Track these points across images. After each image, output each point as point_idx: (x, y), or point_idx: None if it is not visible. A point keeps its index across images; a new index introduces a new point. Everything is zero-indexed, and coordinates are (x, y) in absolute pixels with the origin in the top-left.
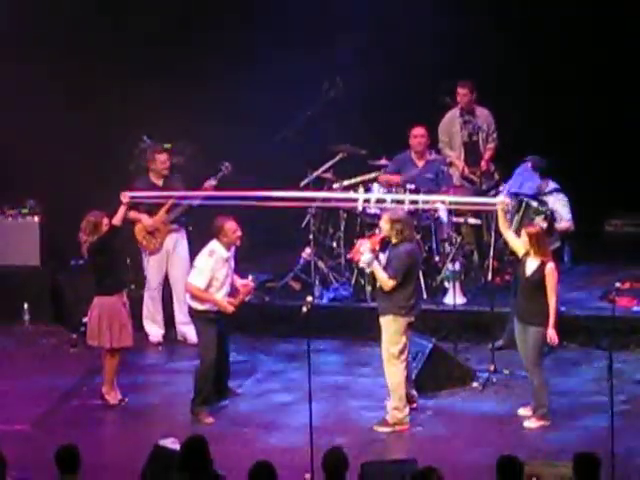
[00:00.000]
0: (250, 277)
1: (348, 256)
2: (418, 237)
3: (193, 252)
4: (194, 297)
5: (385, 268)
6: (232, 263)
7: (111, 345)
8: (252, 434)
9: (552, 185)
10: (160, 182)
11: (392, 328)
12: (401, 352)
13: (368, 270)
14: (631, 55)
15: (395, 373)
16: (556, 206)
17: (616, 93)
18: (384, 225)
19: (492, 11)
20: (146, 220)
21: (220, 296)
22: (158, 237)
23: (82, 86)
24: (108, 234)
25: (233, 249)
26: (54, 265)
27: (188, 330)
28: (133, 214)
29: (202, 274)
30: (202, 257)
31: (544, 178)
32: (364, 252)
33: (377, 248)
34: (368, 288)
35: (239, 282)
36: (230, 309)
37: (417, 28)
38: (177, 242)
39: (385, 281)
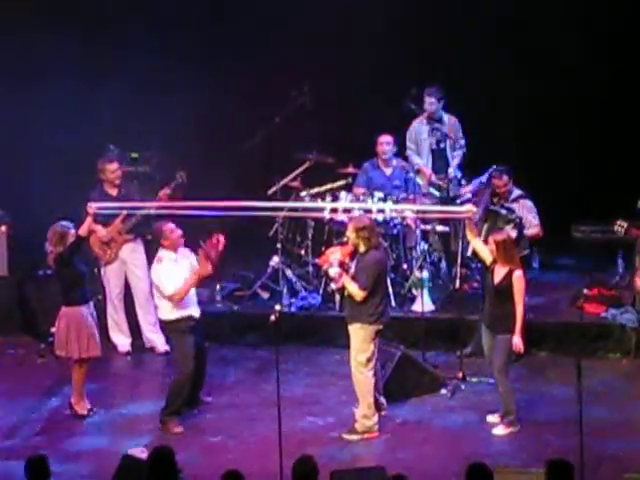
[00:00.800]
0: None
1: (317, 260)
2: (386, 245)
3: (151, 261)
4: (179, 301)
5: (354, 278)
6: (186, 260)
7: (79, 355)
8: (221, 443)
9: (517, 192)
10: (114, 192)
11: (360, 336)
12: (369, 360)
13: (335, 286)
14: (600, 58)
15: (363, 381)
16: (523, 213)
17: (585, 98)
18: (350, 234)
19: (461, 15)
20: (100, 231)
21: (191, 310)
22: (114, 247)
23: (50, 95)
24: (74, 245)
25: (185, 252)
26: (21, 275)
27: (156, 338)
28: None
29: (167, 281)
30: (154, 270)
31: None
32: (333, 263)
33: (347, 260)
34: (337, 296)
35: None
36: (208, 268)
37: (384, 34)
38: (133, 251)
39: (356, 292)
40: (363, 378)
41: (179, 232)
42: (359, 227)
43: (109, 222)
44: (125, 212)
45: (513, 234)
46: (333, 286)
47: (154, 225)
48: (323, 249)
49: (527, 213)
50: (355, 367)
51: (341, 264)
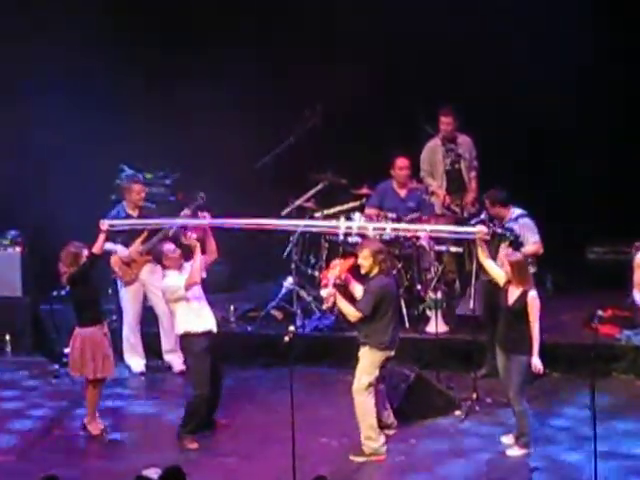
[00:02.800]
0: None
1: (320, 276)
2: (399, 265)
3: None
4: (195, 284)
5: (353, 300)
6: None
7: (94, 376)
8: (235, 464)
9: (517, 211)
10: (135, 213)
11: (368, 359)
12: (371, 384)
13: (325, 306)
14: (616, 79)
15: (363, 402)
16: (522, 231)
17: (598, 122)
18: (364, 260)
19: (472, 38)
20: (121, 251)
21: (204, 325)
22: (134, 268)
23: (64, 116)
24: (88, 263)
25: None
26: (36, 296)
27: (173, 359)
28: (108, 245)
29: (178, 279)
30: (163, 284)
31: (506, 206)
32: (329, 281)
33: (343, 276)
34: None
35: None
36: (193, 242)
37: (400, 56)
38: (153, 272)
39: (350, 313)
40: (363, 400)
41: (179, 252)
42: (375, 251)
43: (130, 243)
44: (147, 232)
45: (506, 252)
46: (324, 306)
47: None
48: (325, 266)
49: (526, 231)
50: (356, 389)
51: (338, 279)
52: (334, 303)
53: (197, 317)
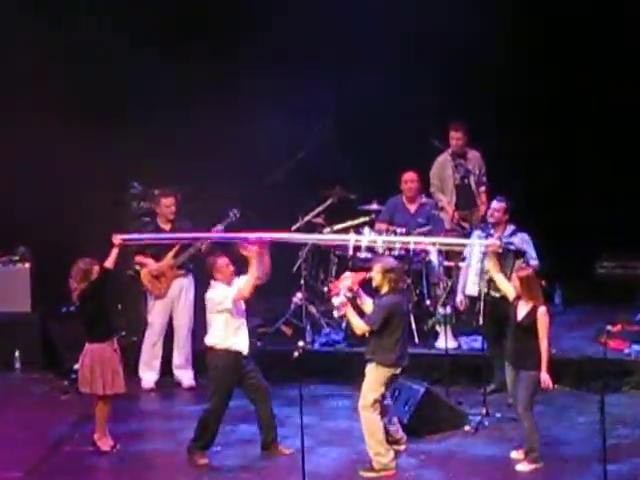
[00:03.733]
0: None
1: (330, 285)
2: (409, 281)
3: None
4: (250, 293)
5: (362, 314)
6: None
7: (104, 392)
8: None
9: (511, 227)
10: (168, 226)
11: (373, 375)
12: (376, 401)
13: (337, 314)
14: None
15: (369, 419)
16: (524, 246)
17: (606, 137)
18: (376, 275)
19: (481, 56)
20: (152, 264)
21: (239, 345)
22: (164, 282)
23: (66, 134)
24: (99, 278)
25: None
26: (45, 312)
27: (183, 374)
28: (139, 258)
29: (229, 290)
30: (209, 293)
31: (508, 220)
32: (341, 291)
33: (355, 288)
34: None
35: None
36: (252, 254)
37: (408, 73)
38: (184, 288)
39: (359, 326)
40: (368, 416)
41: (232, 267)
42: (387, 269)
43: (160, 256)
44: (178, 246)
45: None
46: (335, 314)
47: (208, 258)
48: (333, 279)
49: (527, 246)
50: (362, 406)
51: (350, 290)
52: (345, 313)
53: (233, 335)
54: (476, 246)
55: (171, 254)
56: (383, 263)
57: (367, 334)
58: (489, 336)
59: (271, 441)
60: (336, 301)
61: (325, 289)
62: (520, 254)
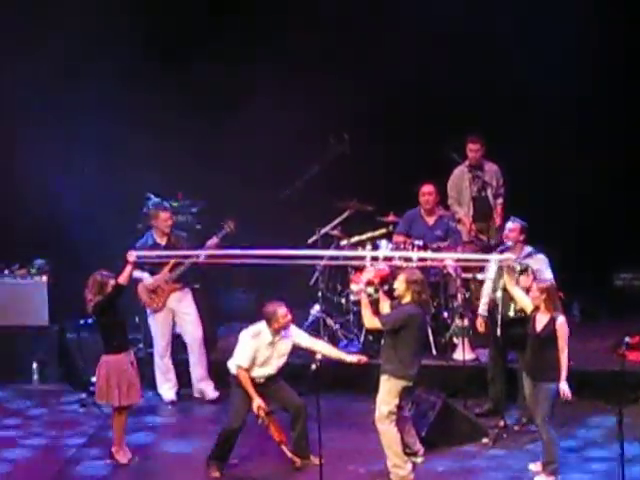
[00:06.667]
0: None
1: (352, 276)
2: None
3: (201, 310)
4: (237, 375)
5: (377, 313)
6: (283, 344)
7: (119, 403)
8: None
9: (528, 249)
10: (163, 240)
11: (386, 387)
12: (391, 413)
13: (353, 297)
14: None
15: (386, 431)
16: (539, 265)
17: (623, 147)
18: (400, 285)
19: (494, 67)
20: (147, 279)
21: (260, 373)
22: (161, 295)
23: (83, 146)
24: (113, 293)
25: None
26: (63, 324)
27: (205, 387)
28: (136, 273)
29: (244, 354)
30: (247, 336)
31: (525, 242)
32: (362, 281)
33: (376, 281)
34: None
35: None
36: (256, 402)
37: (425, 85)
38: (181, 300)
39: (369, 318)
40: (385, 429)
41: (290, 317)
42: (411, 280)
43: (157, 270)
44: (174, 260)
45: (527, 283)
46: (352, 297)
47: (266, 305)
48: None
49: (542, 266)
50: (378, 418)
51: (370, 283)
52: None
53: (259, 366)
54: (492, 265)
55: (167, 268)
56: (408, 274)
57: (382, 342)
58: (493, 354)
59: (303, 449)
60: (354, 287)
61: (343, 301)
62: (524, 270)
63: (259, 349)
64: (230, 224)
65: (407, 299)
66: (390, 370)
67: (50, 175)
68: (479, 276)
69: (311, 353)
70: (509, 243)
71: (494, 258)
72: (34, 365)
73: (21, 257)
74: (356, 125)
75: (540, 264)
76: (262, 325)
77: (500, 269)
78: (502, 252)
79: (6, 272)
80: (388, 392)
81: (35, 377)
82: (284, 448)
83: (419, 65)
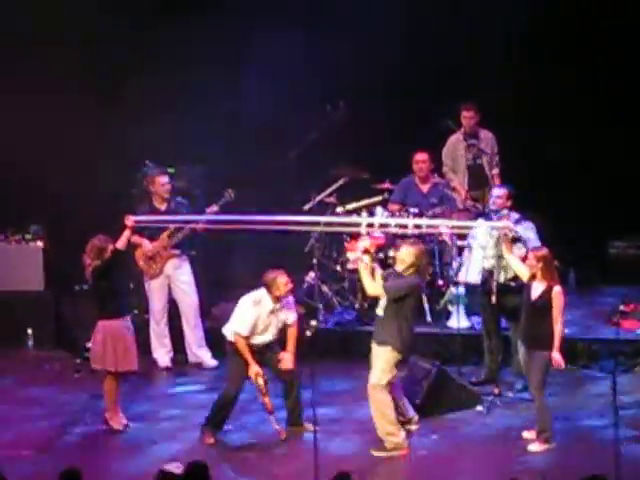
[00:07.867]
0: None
1: (347, 245)
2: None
3: (197, 277)
4: (235, 342)
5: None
6: (283, 313)
7: (115, 368)
8: (256, 459)
9: (515, 215)
10: (163, 206)
11: (386, 358)
12: (389, 383)
13: (351, 266)
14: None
15: (379, 399)
16: (527, 234)
17: (619, 118)
18: (407, 255)
19: (492, 35)
20: (146, 245)
21: (259, 341)
22: (159, 262)
23: (82, 113)
24: (111, 258)
25: (287, 304)
26: (58, 290)
27: (203, 353)
28: (134, 238)
29: (244, 322)
30: (247, 303)
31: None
32: (358, 248)
33: (372, 250)
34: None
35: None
36: (253, 369)
37: (419, 51)
38: (178, 267)
39: (370, 285)
40: (380, 397)
41: (291, 285)
42: (420, 254)
43: (155, 236)
44: (172, 227)
45: (521, 252)
46: (349, 265)
47: (267, 273)
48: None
49: (530, 233)
50: (373, 386)
51: (366, 251)
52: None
53: (259, 333)
54: (481, 231)
55: (165, 234)
56: (416, 247)
57: (380, 313)
58: (488, 323)
59: (297, 417)
60: (351, 256)
61: (338, 268)
62: (516, 239)
63: (260, 317)
64: (230, 192)
65: (410, 271)
66: (391, 342)
67: (44, 140)
68: (459, 243)
69: (305, 321)
70: (503, 211)
71: (493, 225)
72: (29, 331)
73: (16, 223)
74: (354, 93)
75: (528, 232)
76: (262, 292)
77: (497, 237)
78: (499, 220)
79: (1, 237)
80: (387, 362)
81: (30, 343)
82: (272, 419)
83: (413, 32)
